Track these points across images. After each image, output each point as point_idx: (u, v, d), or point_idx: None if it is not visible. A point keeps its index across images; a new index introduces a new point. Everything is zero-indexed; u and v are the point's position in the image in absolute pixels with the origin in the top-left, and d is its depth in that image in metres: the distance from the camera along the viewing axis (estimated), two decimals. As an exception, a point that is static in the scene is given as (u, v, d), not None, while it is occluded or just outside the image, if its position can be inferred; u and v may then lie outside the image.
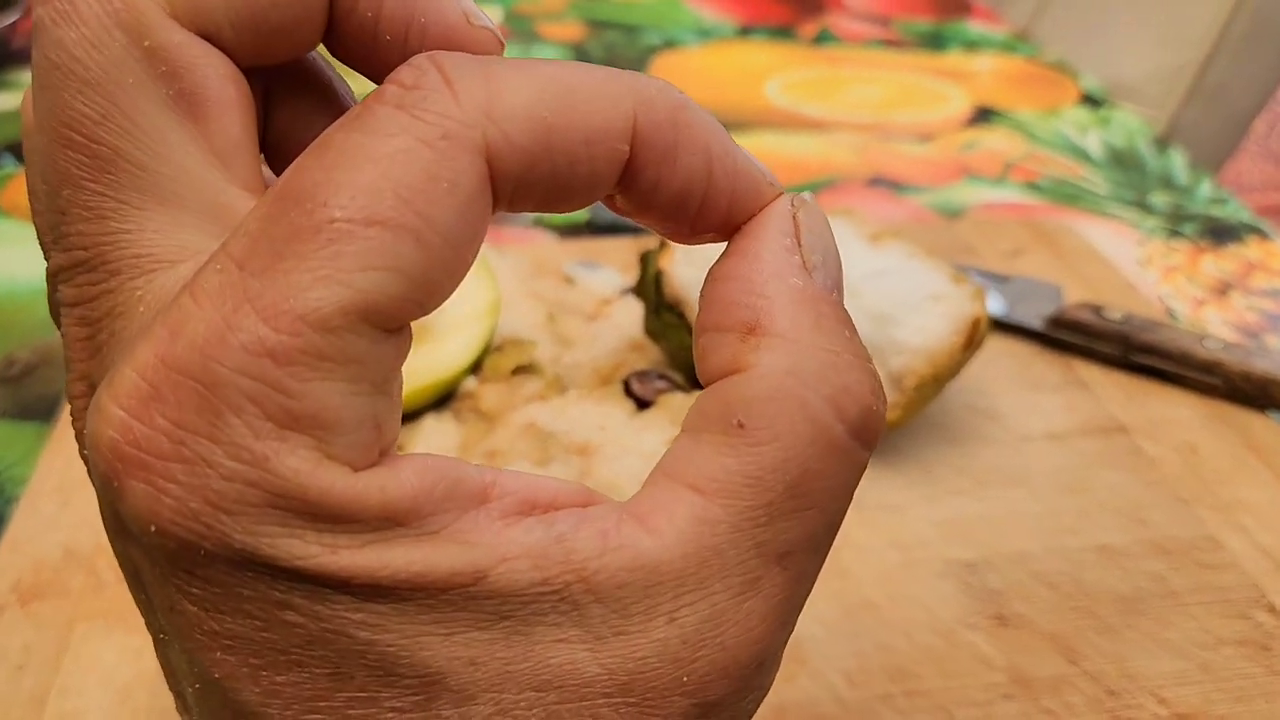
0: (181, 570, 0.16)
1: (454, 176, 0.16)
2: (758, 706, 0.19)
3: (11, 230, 0.60)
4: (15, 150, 0.69)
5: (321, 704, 0.17)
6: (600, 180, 0.18)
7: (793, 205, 0.20)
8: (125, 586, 0.36)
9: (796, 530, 0.18)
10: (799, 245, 0.20)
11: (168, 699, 0.32)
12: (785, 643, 0.19)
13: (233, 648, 0.16)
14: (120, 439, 0.15)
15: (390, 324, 0.16)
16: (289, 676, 0.17)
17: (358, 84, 0.20)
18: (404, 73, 0.17)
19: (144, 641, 0.34)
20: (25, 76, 0.79)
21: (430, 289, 0.16)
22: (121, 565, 0.18)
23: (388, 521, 0.16)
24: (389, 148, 0.16)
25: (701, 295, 0.20)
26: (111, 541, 0.18)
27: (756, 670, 0.18)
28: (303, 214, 0.16)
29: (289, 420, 0.16)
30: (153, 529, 0.16)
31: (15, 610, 0.35)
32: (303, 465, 0.16)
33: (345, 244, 0.16)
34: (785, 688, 0.33)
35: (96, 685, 0.33)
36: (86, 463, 0.17)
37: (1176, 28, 0.98)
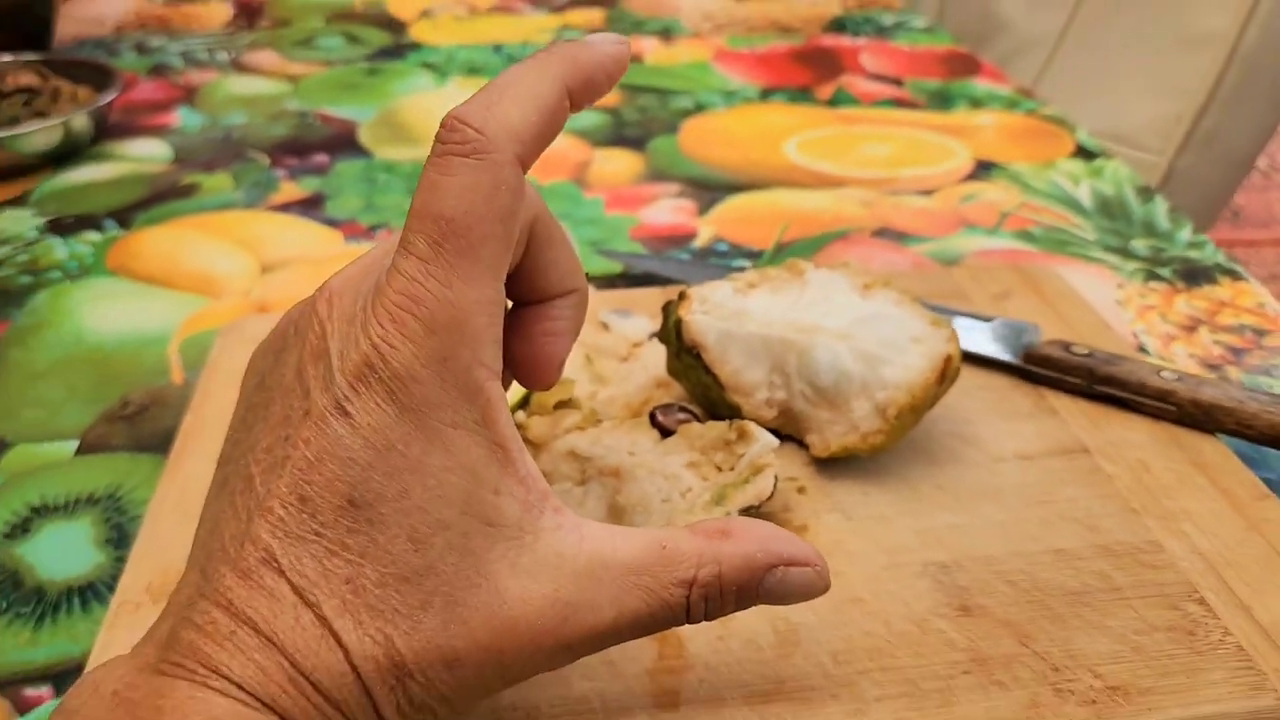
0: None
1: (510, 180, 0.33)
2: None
3: (120, 287, 0.69)
4: (116, 215, 0.78)
5: None
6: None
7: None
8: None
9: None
10: None
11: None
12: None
13: None
14: None
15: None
16: None
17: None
18: (443, 133, 0.32)
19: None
20: (121, 148, 0.88)
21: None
22: None
23: None
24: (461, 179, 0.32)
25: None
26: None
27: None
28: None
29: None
30: None
31: (149, 606, 0.43)
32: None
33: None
34: (782, 664, 0.40)
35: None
36: None
37: (1173, 79, 1.05)
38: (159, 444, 0.55)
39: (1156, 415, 0.53)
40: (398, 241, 0.33)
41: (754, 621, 0.42)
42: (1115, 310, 0.66)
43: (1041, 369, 0.55)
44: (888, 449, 0.49)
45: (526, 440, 0.50)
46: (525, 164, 0.33)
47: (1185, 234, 0.74)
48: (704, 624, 0.42)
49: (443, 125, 0.32)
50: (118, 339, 0.64)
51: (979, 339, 0.57)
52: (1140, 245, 0.73)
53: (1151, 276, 0.69)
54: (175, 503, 0.48)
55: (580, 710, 0.39)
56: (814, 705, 0.39)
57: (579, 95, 0.35)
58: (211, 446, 0.52)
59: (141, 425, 0.56)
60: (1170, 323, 0.65)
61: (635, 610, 0.34)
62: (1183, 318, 0.65)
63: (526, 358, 0.38)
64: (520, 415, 0.51)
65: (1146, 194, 0.80)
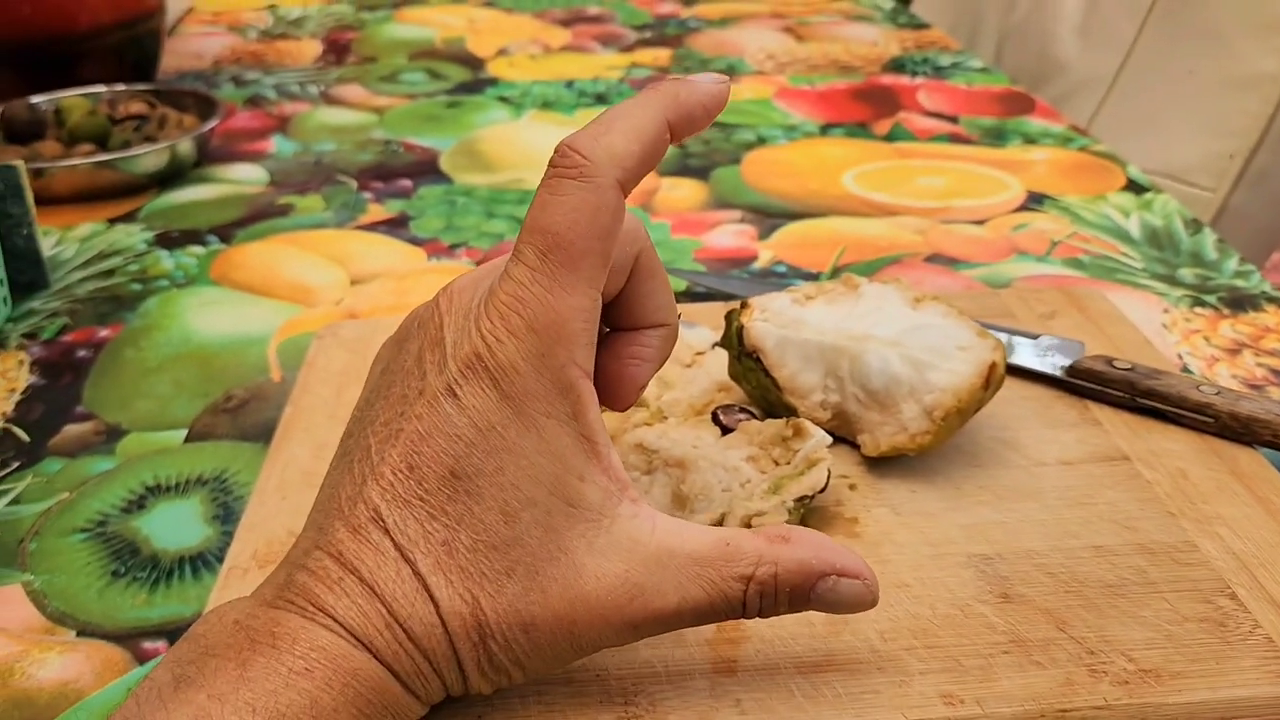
0: None
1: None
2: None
3: (222, 295, 0.74)
4: (218, 231, 0.84)
5: None
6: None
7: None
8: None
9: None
10: None
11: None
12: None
13: None
14: None
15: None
16: None
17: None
18: (555, 158, 0.36)
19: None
20: (222, 171, 0.95)
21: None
22: None
23: None
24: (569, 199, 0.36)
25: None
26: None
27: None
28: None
29: None
30: None
31: (255, 571, 0.47)
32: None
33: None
34: (832, 640, 0.43)
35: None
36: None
37: (1224, 119, 1.07)
38: (259, 434, 0.60)
39: (1196, 427, 0.55)
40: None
41: (807, 601, 0.45)
42: (1160, 334, 0.68)
43: (1085, 382, 0.58)
44: (934, 449, 0.52)
45: (597, 436, 0.54)
46: (626, 189, 0.37)
47: (1232, 264, 0.77)
48: (760, 601, 0.45)
49: (556, 151, 0.37)
50: (221, 340, 0.69)
51: (1025, 353, 0.60)
52: (1187, 274, 0.76)
53: (1198, 303, 0.72)
54: (277, 484, 0.53)
55: (644, 673, 0.42)
56: (861, 676, 0.42)
57: (679, 128, 0.38)
58: (308, 435, 0.56)
59: (244, 417, 0.61)
60: (1214, 346, 0.67)
61: (696, 598, 0.37)
62: (1227, 341, 0.68)
63: (612, 377, 0.42)
64: (592, 413, 0.55)
65: (1195, 226, 0.82)
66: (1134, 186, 0.89)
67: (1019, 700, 0.41)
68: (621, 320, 0.42)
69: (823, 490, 0.48)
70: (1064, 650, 0.43)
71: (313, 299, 0.74)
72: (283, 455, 0.55)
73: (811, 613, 0.44)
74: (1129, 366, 0.57)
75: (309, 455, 0.55)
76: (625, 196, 0.37)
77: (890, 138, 1.01)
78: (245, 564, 0.48)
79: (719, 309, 0.67)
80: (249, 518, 0.51)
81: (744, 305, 0.55)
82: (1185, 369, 0.64)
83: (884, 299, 0.55)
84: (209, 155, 0.97)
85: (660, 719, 0.40)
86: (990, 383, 0.51)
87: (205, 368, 0.66)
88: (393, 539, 0.35)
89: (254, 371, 0.66)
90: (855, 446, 0.54)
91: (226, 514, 0.54)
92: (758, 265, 0.77)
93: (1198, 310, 0.71)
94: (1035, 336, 0.62)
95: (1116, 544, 0.48)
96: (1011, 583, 0.46)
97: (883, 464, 0.53)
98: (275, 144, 1.01)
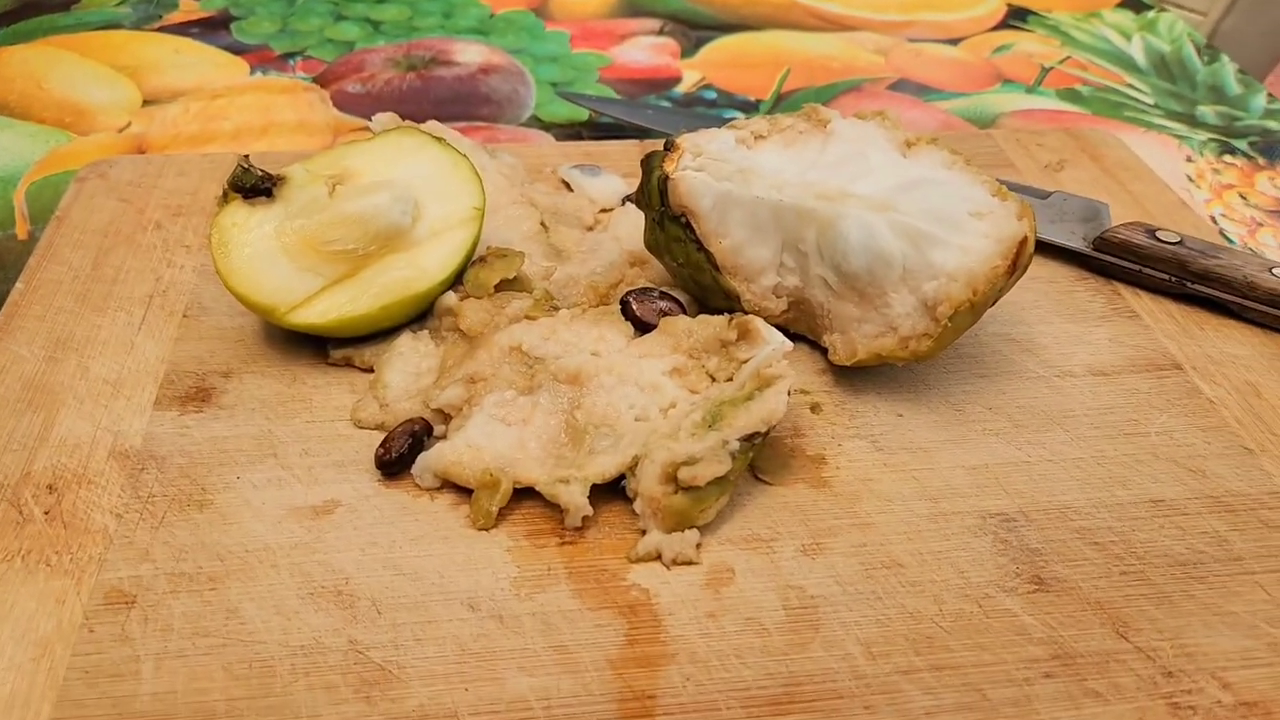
0: None
1: None
2: None
3: (-49, 116, 0.55)
4: None
5: None
6: None
7: None
8: (52, 524, 0.32)
9: None
10: None
11: (90, 658, 0.28)
12: None
13: None
14: None
15: None
16: None
17: None
18: None
19: (68, 585, 0.30)
20: None
21: None
22: None
23: None
24: None
25: None
26: None
27: None
28: None
29: None
30: None
31: (-75, 547, 0.31)
32: None
33: None
34: (797, 658, 0.29)
35: (9, 638, 0.29)
36: None
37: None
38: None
39: (1264, 324, 0.42)
40: None
41: (757, 591, 0.31)
42: (1186, 189, 0.54)
43: (1117, 258, 0.43)
44: (931, 358, 0.38)
45: (458, 331, 0.38)
46: None
47: (1260, 100, 0.62)
48: (691, 596, 0.31)
49: None
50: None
51: (1035, 219, 0.45)
52: (1208, 112, 0.61)
53: (1226, 149, 0.58)
54: (-19, 402, 0.36)
55: (512, 717, 0.28)
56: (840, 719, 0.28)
57: None
58: (41, 326, 0.39)
59: (-41, 293, 0.43)
60: (1253, 206, 0.53)
61: None
62: (1268, 200, 0.54)
63: None
64: (451, 297, 0.38)
65: (1211, 53, 0.67)
66: (1132, 3, 0.74)
67: (1074, 759, 0.27)
68: None
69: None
70: (1130, 671, 0.29)
71: (88, 123, 0.55)
72: (0, 355, 0.38)
73: (766, 616, 0.30)
74: (1176, 239, 0.43)
75: (39, 357, 0.38)
76: None
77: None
78: (-87, 534, 0.32)
79: (634, 150, 0.50)
80: (-69, 456, 0.34)
81: (670, 147, 0.38)
82: (1224, 237, 0.50)
83: (865, 141, 0.39)
84: None
85: (537, 805, 0.26)
86: (1017, 266, 0.36)
87: (-85, 218, 0.48)
88: None
89: (-17, 223, 0.48)
90: (819, 349, 0.39)
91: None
92: (680, 90, 0.61)
93: (1227, 159, 0.57)
94: (1045, 195, 0.47)
95: (1181, 496, 0.35)
96: (1045, 559, 0.32)
97: (855, 375, 0.39)
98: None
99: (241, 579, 0.31)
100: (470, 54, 0.64)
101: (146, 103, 0.58)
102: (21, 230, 0.48)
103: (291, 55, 0.63)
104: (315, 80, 0.61)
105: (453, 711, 0.28)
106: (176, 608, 0.30)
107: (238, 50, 0.63)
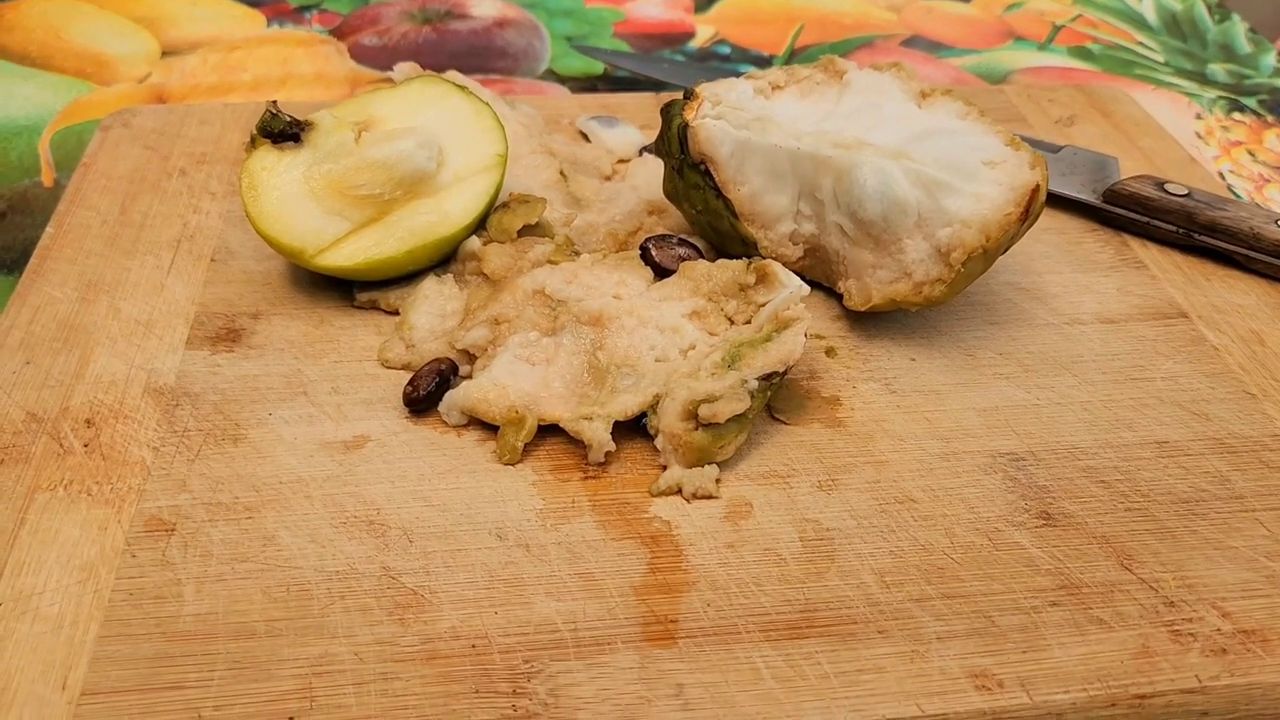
0: None
1: None
2: None
3: (-25, 64, 0.56)
4: None
5: None
6: None
7: None
8: (91, 456, 0.33)
9: None
10: None
11: (134, 581, 0.29)
12: None
13: None
14: None
15: None
16: None
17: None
18: None
19: (110, 514, 0.31)
20: None
21: None
22: None
23: None
24: None
25: None
26: None
27: None
28: None
29: None
30: None
31: (-29, 477, 0.32)
32: None
33: None
34: (813, 585, 0.30)
35: (56, 562, 0.30)
36: None
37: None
38: (16, 259, 0.43)
39: (1269, 275, 0.43)
40: None
41: (775, 524, 0.32)
42: (1195, 145, 0.55)
43: (1127, 210, 0.44)
44: (944, 304, 0.39)
45: (482, 275, 0.39)
46: None
47: (1270, 59, 0.63)
48: (710, 528, 0.32)
49: None
50: (-27, 126, 0.51)
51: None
52: (1219, 70, 0.62)
53: (1236, 107, 0.58)
54: (21, 341, 0.37)
55: (542, 641, 0.29)
56: (856, 643, 0.29)
57: None
58: (72, 269, 0.40)
59: (-8, 236, 0.44)
60: (1261, 162, 0.54)
61: None
62: (1276, 157, 0.54)
63: None
64: (475, 242, 0.39)
65: (1222, 12, 0.68)
66: (1145, -39, 0.74)
67: (1078, 681, 0.28)
68: None
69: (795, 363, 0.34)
70: (1133, 600, 0.30)
71: (109, 74, 0.56)
72: (33, 296, 0.39)
73: (783, 547, 0.31)
74: (1184, 192, 0.44)
75: (71, 299, 0.39)
76: None
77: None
78: (-42, 464, 0.33)
79: (650, 102, 0.51)
80: (-28, 391, 0.35)
81: (690, 96, 0.39)
82: (1231, 192, 0.51)
83: (880, 91, 0.40)
84: None
85: (566, 718, 0.27)
86: (1029, 213, 0.36)
87: (-56, 164, 0.48)
88: None
89: (18, 172, 0.49)
90: (834, 295, 0.40)
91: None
92: (694, 45, 0.61)
93: (1236, 117, 0.57)
94: (1056, 149, 0.48)
95: (1185, 438, 0.36)
96: (1053, 496, 0.33)
97: (869, 321, 0.40)
98: None
99: (276, 509, 0.32)
100: (485, 7, 0.64)
101: (165, 54, 0.58)
102: (47, 178, 0.49)
103: (307, 8, 0.64)
104: (332, 33, 0.61)
105: (483, 633, 0.29)
106: (215, 535, 0.31)
107: (254, 3, 0.64)
